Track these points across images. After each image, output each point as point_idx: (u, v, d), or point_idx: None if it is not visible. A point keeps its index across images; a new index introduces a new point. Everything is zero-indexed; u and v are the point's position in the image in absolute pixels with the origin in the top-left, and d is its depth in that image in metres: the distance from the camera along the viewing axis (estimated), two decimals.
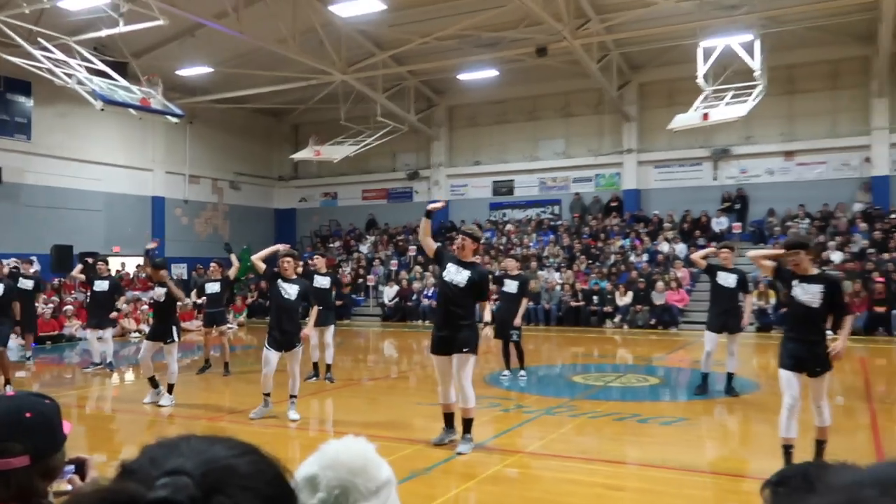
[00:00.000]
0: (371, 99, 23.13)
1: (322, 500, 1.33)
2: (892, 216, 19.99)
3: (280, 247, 9.00)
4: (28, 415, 1.61)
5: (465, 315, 6.74)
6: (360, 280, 23.94)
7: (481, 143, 26.70)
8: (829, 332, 5.95)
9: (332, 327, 10.90)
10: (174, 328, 9.29)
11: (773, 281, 6.20)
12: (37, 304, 15.07)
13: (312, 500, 1.34)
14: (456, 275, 6.76)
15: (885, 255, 18.38)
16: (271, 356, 8.23)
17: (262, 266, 8.64)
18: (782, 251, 6.01)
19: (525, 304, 10.82)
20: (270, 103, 26.08)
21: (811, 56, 21.37)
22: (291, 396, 8.28)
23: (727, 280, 9.27)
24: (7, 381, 9.94)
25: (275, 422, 8.11)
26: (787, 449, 5.73)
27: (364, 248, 26.47)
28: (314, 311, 8.98)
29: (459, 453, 6.55)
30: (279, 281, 8.26)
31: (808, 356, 5.73)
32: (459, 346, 6.61)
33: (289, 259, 8.34)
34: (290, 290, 8.25)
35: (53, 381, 12.15)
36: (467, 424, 6.72)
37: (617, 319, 19.35)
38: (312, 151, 23.48)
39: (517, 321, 10.45)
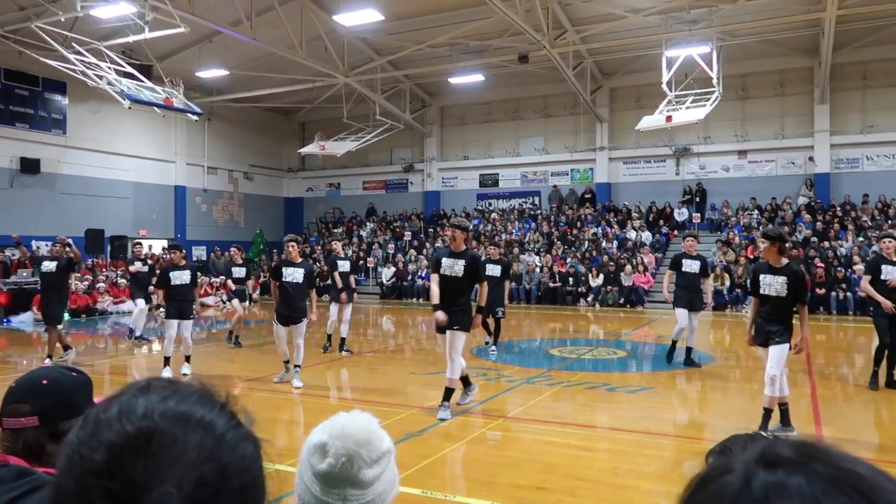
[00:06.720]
0: (370, 99, 22.94)
1: (331, 465, 1.32)
2: (832, 210, 20.10)
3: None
4: (44, 382, 1.60)
5: (462, 298, 6.65)
6: (361, 262, 23.88)
7: (469, 140, 26.58)
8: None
9: (350, 305, 10.77)
10: (192, 306, 9.17)
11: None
12: (70, 281, 14.92)
13: (322, 465, 1.33)
14: (453, 267, 6.68)
15: (825, 244, 18.50)
16: (280, 331, 8.21)
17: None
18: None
19: (507, 285, 10.90)
20: (280, 103, 25.86)
21: (762, 66, 21.38)
22: (295, 366, 8.23)
23: (691, 266, 9.34)
24: (49, 355, 9.85)
25: (284, 387, 8.10)
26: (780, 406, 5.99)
27: (364, 234, 26.41)
28: (313, 294, 8.47)
29: (441, 419, 6.46)
30: (283, 266, 8.16)
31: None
32: (452, 324, 6.58)
33: (293, 243, 8.20)
34: (296, 274, 8.13)
35: (86, 352, 12.06)
36: (447, 394, 6.63)
37: (590, 299, 19.41)
38: (318, 146, 23.30)
39: (505, 301, 10.61)
